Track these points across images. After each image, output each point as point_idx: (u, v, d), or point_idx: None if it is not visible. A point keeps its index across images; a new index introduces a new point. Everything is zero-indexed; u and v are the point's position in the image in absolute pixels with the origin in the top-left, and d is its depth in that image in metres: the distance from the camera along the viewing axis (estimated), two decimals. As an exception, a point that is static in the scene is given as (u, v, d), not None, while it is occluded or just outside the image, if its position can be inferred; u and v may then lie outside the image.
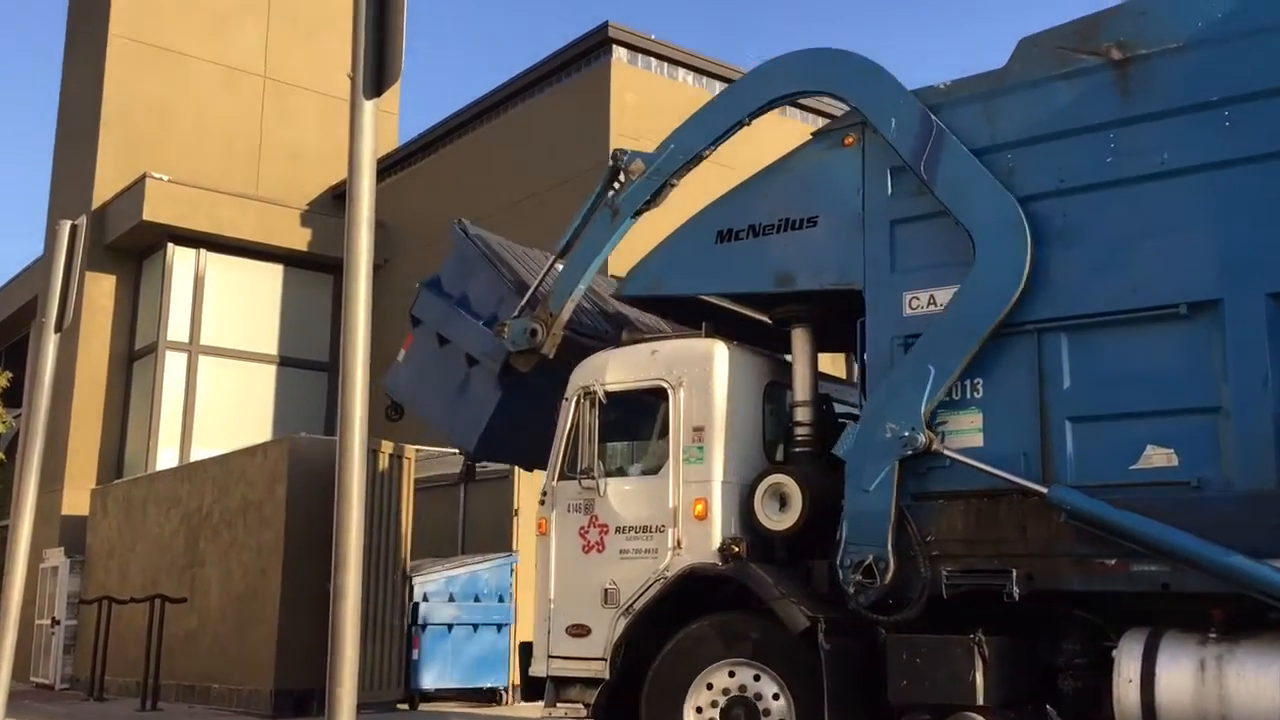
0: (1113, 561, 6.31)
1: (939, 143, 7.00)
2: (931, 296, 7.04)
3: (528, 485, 12.76)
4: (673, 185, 8.32)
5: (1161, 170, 6.50)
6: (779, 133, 16.55)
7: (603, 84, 16.36)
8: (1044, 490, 6.46)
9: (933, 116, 7.07)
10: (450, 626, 13.09)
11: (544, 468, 8.22)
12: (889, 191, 7.26)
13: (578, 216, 8.76)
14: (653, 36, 16.79)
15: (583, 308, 8.95)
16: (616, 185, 8.46)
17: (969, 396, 6.93)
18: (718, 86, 16.68)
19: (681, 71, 17.16)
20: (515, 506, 13.91)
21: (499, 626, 13.35)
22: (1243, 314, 6.14)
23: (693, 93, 16.38)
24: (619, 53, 16.31)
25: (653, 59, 16.90)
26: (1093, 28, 6.83)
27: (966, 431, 6.93)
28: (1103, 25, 6.80)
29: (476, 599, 13.29)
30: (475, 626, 13.22)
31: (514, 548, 13.64)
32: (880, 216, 7.26)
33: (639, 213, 8.51)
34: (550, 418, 8.14)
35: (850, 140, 7.47)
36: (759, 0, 51.55)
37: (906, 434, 6.80)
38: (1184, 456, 6.24)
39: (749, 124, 8.13)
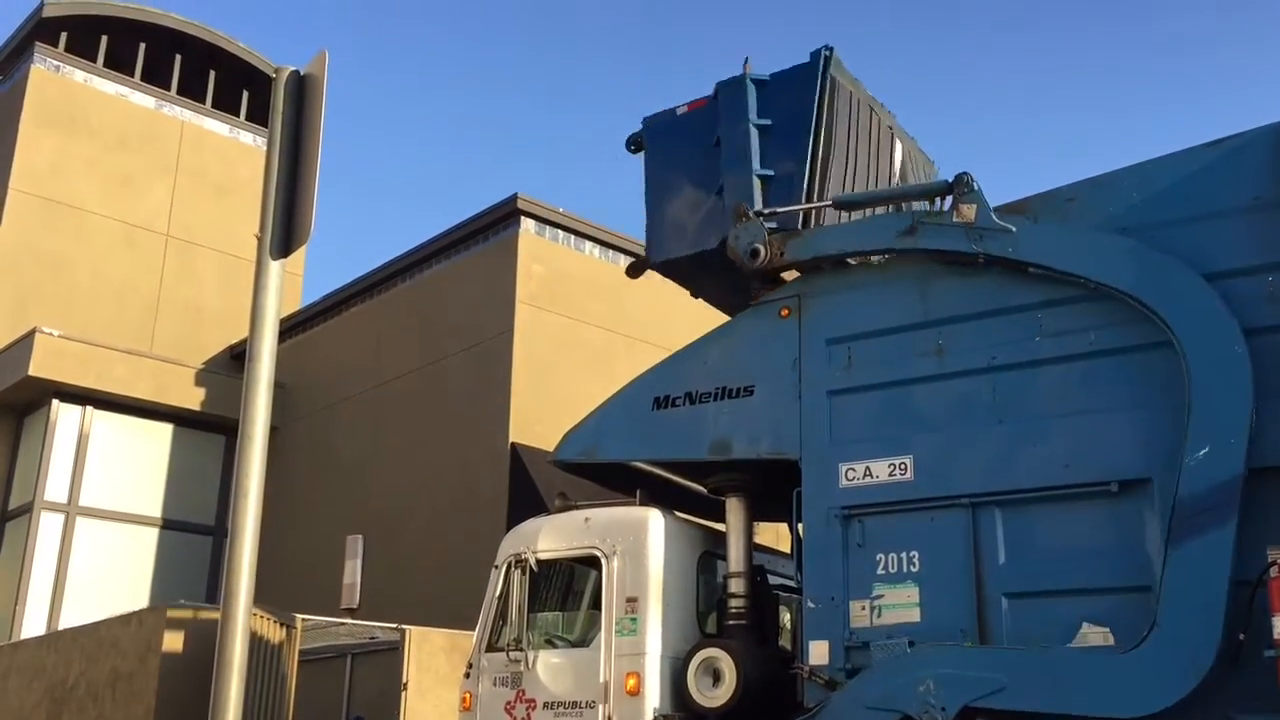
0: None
1: None
2: (868, 468, 7.08)
3: (418, 657, 12.30)
4: (980, 262, 7.09)
5: (1090, 350, 6.72)
6: (681, 306, 16.96)
7: (510, 253, 16.50)
8: None
9: None
10: (338, 812, 12.32)
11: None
12: (826, 363, 7.37)
13: (881, 193, 7.83)
14: (561, 209, 17.08)
15: None
16: (938, 205, 7.30)
17: (905, 570, 6.92)
18: (623, 260, 16.98)
19: (588, 244, 17.42)
20: (404, 679, 13.33)
21: (389, 811, 12.60)
22: (1172, 493, 6.27)
23: (598, 265, 16.65)
24: (527, 224, 16.52)
25: (560, 230, 17.16)
26: (1020, 210, 7.13)
27: (903, 606, 6.89)
28: (1029, 208, 7.10)
29: (364, 780, 12.57)
30: (364, 811, 12.46)
31: (403, 724, 13.00)
32: (816, 387, 7.34)
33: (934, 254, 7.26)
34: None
35: (786, 312, 7.60)
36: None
37: None
38: (1119, 635, 6.25)
39: None
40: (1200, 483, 6.00)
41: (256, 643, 11.85)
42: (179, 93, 21.96)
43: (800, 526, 7.27)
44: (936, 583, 6.79)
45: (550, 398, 14.69)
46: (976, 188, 7.08)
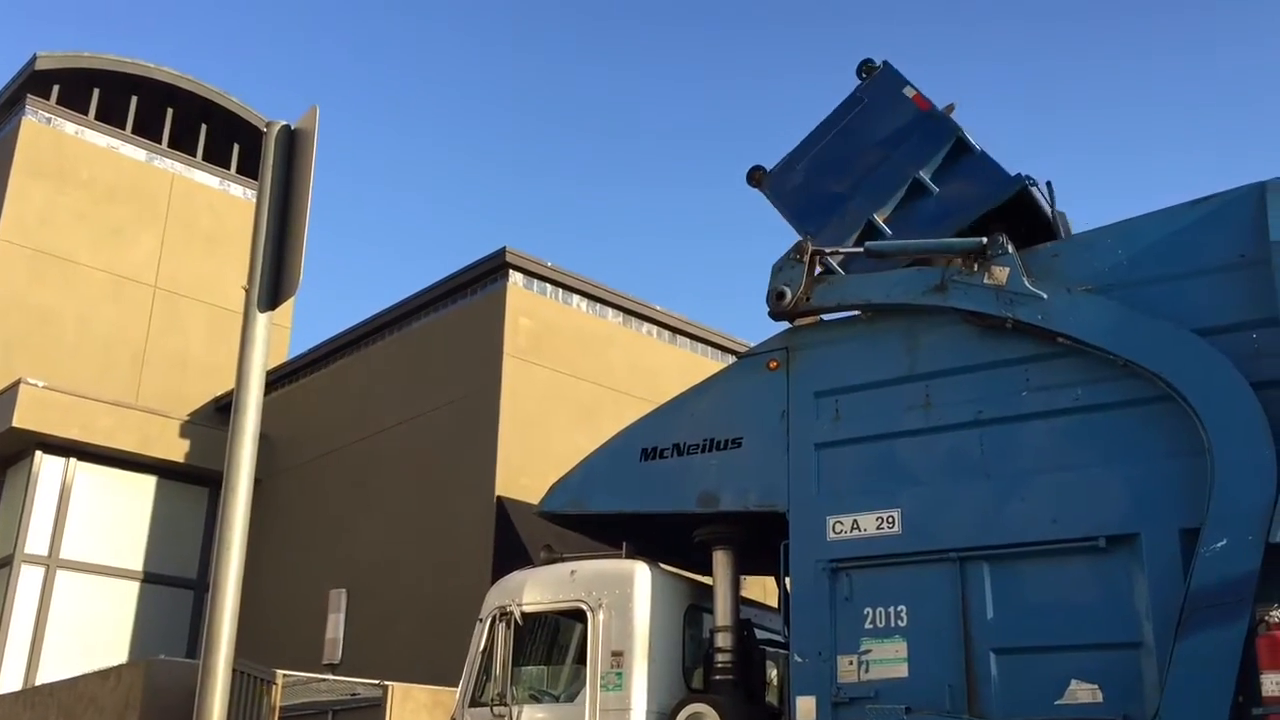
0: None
1: None
2: (855, 521, 7.07)
3: (400, 715, 12.13)
4: (1009, 328, 6.93)
5: (1076, 406, 6.74)
6: (667, 359, 16.99)
7: (498, 307, 16.53)
8: None
9: None
10: None
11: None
12: (814, 416, 7.37)
13: (913, 245, 7.54)
14: (549, 263, 17.15)
15: None
16: (969, 264, 7.05)
17: (893, 625, 6.88)
18: (610, 313, 17.04)
19: (576, 298, 17.47)
20: (387, 737, 13.13)
21: None
22: (1160, 549, 6.27)
23: (586, 319, 16.69)
24: (515, 277, 16.56)
25: (548, 284, 17.20)
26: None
27: (890, 661, 6.85)
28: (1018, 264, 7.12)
29: (348, 841, 12.34)
30: None
31: (388, 783, 12.78)
32: (804, 440, 7.34)
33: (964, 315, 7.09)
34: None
35: (774, 364, 7.61)
36: (651, 229, 53.56)
37: None
38: (1108, 692, 6.22)
39: None
40: (1214, 576, 5.90)
41: (237, 699, 11.69)
42: (170, 145, 22.06)
43: (788, 580, 7.23)
44: (924, 637, 6.75)
45: (537, 451, 14.65)
46: (1010, 250, 6.97)
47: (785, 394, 7.49)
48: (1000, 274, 6.92)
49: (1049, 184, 7.95)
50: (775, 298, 7.59)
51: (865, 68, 8.58)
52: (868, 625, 6.88)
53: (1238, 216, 6.52)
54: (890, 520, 6.96)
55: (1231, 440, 6.10)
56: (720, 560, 7.73)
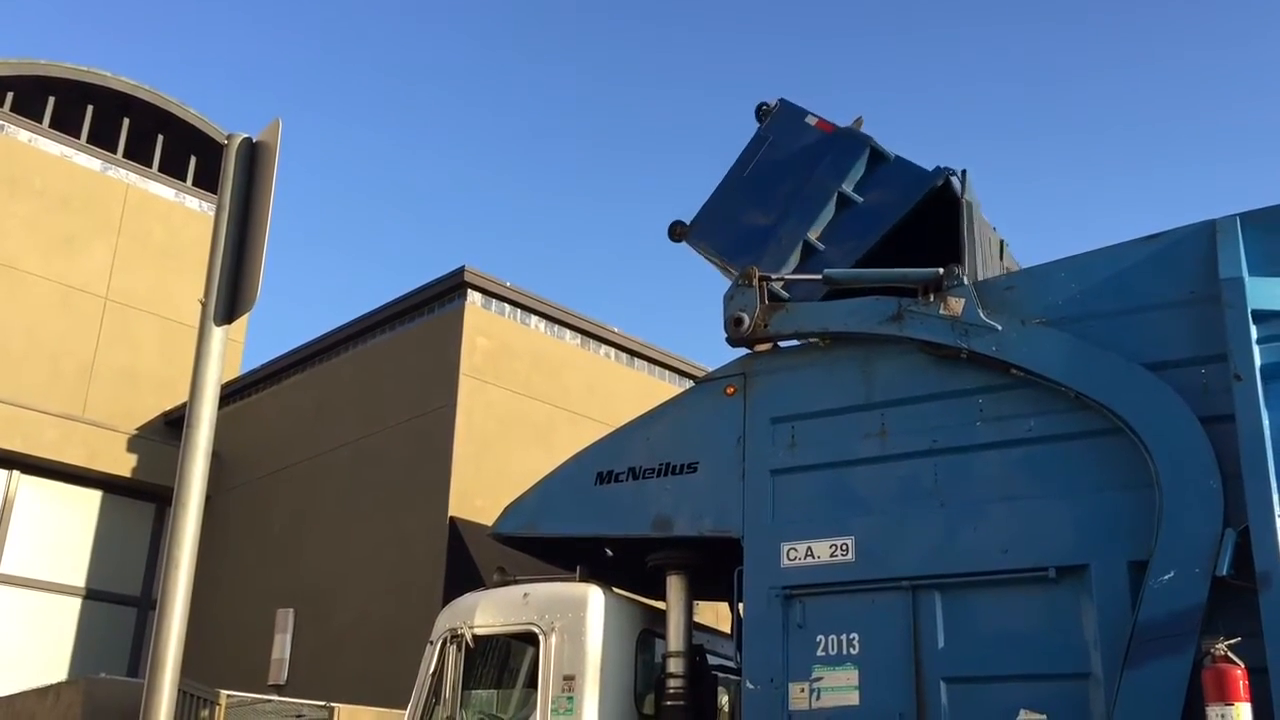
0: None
1: None
2: (809, 548, 7.09)
3: (351, 736, 11.97)
4: (964, 359, 7.02)
5: (1028, 436, 6.81)
6: (625, 382, 16.99)
7: (455, 326, 16.46)
8: None
9: None
10: None
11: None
12: (769, 442, 7.40)
13: (871, 274, 7.63)
14: (508, 283, 17.11)
15: None
16: (925, 294, 7.13)
17: (845, 652, 6.90)
18: (568, 334, 17.02)
19: (534, 319, 17.44)
20: (336, 759, 12.96)
21: None
22: (1108, 580, 6.33)
23: (543, 340, 16.65)
24: (473, 296, 16.50)
25: (506, 304, 17.16)
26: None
27: (842, 689, 6.86)
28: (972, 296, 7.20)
29: None
30: None
31: (335, 807, 12.61)
32: (760, 466, 7.35)
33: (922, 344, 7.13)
34: None
35: (732, 390, 7.64)
36: (612, 253, 53.61)
37: None
38: (1056, 722, 6.28)
39: None
40: (1161, 608, 5.98)
41: (181, 719, 11.50)
42: (125, 155, 21.80)
43: (741, 606, 7.23)
44: (876, 665, 6.77)
45: (491, 472, 14.58)
46: (965, 282, 7.12)
47: (742, 419, 7.51)
48: (955, 305, 7.03)
49: (963, 172, 8.13)
50: (733, 324, 7.65)
51: (762, 110, 8.93)
52: (820, 653, 6.90)
53: (1188, 254, 6.64)
54: (844, 548, 6.99)
55: (1179, 473, 6.18)
56: (674, 585, 7.72)
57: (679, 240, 8.96)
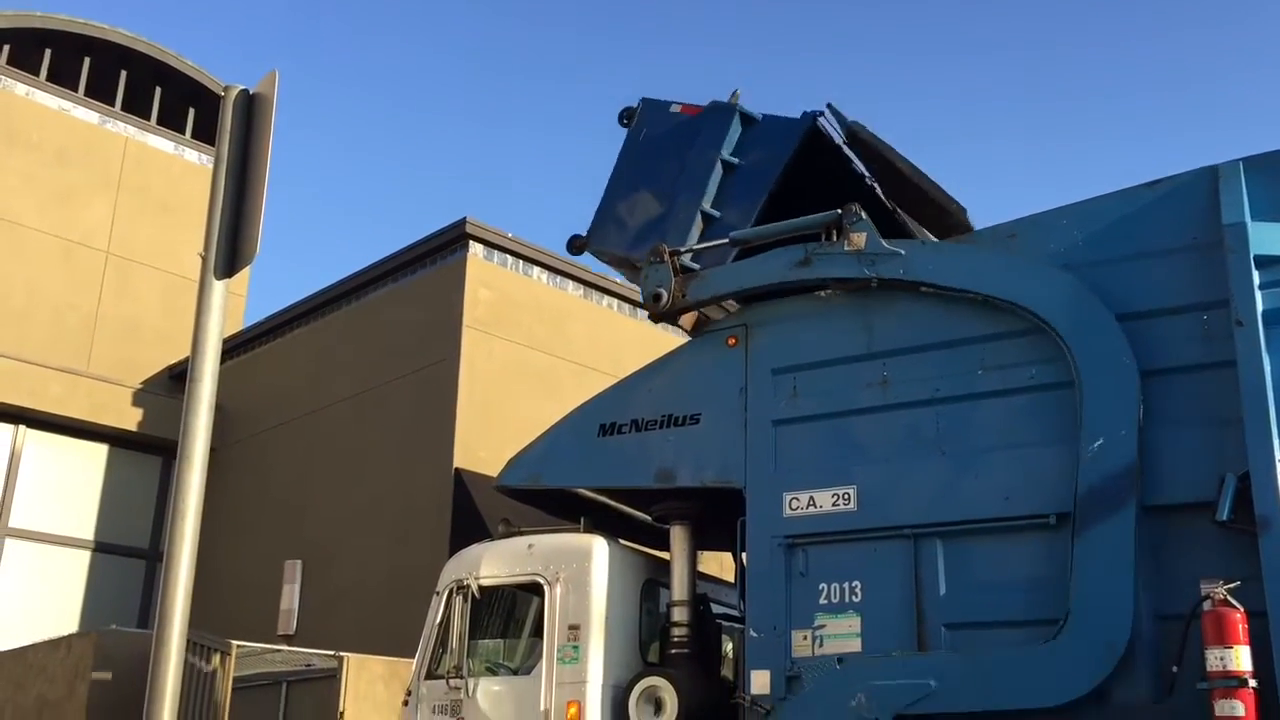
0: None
1: None
2: (811, 498, 7.12)
3: (355, 685, 12.11)
4: (874, 286, 7.23)
5: (1030, 385, 6.82)
6: (628, 333, 16.99)
7: (457, 278, 16.43)
8: None
9: None
10: (271, 842, 12.08)
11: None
12: (771, 392, 7.41)
13: (775, 228, 7.78)
14: (510, 234, 17.06)
15: None
16: (829, 235, 7.34)
17: (847, 600, 6.95)
18: (570, 285, 16.99)
19: (536, 270, 17.41)
20: (340, 709, 13.10)
21: (325, 842, 12.36)
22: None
23: (546, 291, 16.63)
24: (475, 248, 16.46)
25: (508, 255, 17.11)
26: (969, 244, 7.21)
27: (844, 636, 6.92)
28: (975, 242, 7.18)
29: (300, 812, 12.33)
30: (299, 842, 12.22)
31: (340, 754, 12.77)
32: (762, 417, 7.38)
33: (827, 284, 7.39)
34: None
35: (733, 340, 7.64)
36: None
37: None
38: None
39: None
40: (1096, 474, 6.25)
41: (189, 670, 11.61)
42: (123, 109, 21.67)
43: (744, 555, 7.28)
44: (878, 613, 6.83)
45: (495, 423, 14.61)
46: (864, 217, 7.30)
47: (743, 370, 7.52)
48: (858, 239, 7.24)
49: (830, 106, 8.33)
50: (653, 299, 7.84)
51: (626, 114, 9.13)
52: (822, 600, 6.96)
53: (1191, 200, 6.61)
54: (846, 497, 7.03)
55: (1096, 352, 6.42)
56: (677, 535, 7.77)
57: (579, 253, 9.16)
